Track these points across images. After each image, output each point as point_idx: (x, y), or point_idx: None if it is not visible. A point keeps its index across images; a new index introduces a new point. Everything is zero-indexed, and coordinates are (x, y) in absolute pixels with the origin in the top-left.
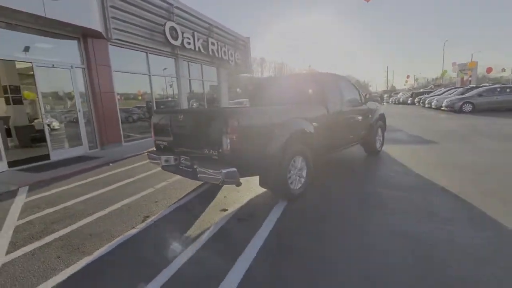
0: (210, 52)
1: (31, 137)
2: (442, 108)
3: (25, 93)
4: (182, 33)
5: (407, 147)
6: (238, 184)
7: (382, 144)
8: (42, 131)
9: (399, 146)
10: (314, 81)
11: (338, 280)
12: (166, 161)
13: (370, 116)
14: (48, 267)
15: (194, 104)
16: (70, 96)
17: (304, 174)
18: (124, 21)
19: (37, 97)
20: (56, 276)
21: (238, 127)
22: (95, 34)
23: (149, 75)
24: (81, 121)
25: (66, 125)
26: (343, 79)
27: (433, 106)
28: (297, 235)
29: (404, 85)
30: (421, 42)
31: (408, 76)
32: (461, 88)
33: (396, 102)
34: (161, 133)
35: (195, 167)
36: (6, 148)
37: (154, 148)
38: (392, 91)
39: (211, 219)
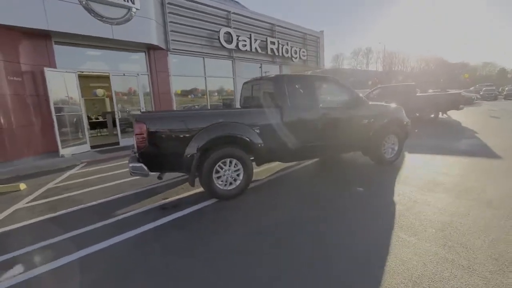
0: (269, 51)
1: (125, 126)
2: None
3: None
4: (237, 36)
5: (443, 160)
6: (159, 177)
7: (397, 154)
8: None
9: (436, 157)
10: (272, 85)
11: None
12: (134, 152)
13: (369, 121)
14: (19, 217)
15: None
16: (136, 97)
17: (241, 176)
18: (182, 33)
19: (112, 97)
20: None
21: (146, 130)
22: (157, 47)
23: (205, 77)
24: None
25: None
26: (325, 81)
27: None
28: (177, 229)
29: None
30: None
31: None
32: None
33: None
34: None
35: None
36: (112, 134)
37: None
38: None
39: (146, 204)
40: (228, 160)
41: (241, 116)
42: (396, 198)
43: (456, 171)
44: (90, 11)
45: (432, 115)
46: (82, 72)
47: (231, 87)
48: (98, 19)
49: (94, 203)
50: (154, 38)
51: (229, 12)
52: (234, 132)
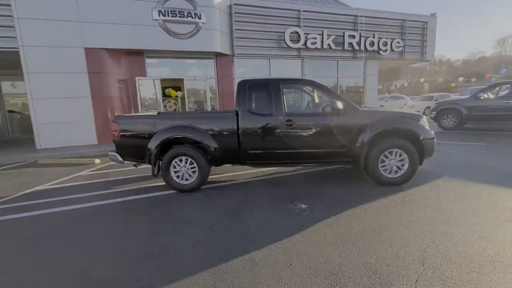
0: (347, 46)
1: None
2: None
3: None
4: (306, 34)
5: (469, 191)
6: (134, 165)
7: (406, 175)
8: None
9: (469, 185)
10: (237, 90)
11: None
12: None
13: (356, 130)
14: (74, 179)
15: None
16: (204, 97)
17: (196, 174)
18: (247, 38)
19: (185, 98)
20: (73, 183)
21: (118, 127)
22: (222, 54)
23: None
24: None
25: None
26: (301, 87)
27: None
28: (127, 205)
29: None
30: None
31: None
32: None
33: None
34: None
35: None
36: None
37: None
38: None
39: (135, 185)
40: (184, 158)
41: (197, 120)
42: (324, 224)
43: (456, 206)
44: (169, 31)
45: None
46: (163, 78)
47: None
48: (172, 36)
49: (113, 178)
50: (218, 46)
51: (299, 11)
52: (185, 134)
